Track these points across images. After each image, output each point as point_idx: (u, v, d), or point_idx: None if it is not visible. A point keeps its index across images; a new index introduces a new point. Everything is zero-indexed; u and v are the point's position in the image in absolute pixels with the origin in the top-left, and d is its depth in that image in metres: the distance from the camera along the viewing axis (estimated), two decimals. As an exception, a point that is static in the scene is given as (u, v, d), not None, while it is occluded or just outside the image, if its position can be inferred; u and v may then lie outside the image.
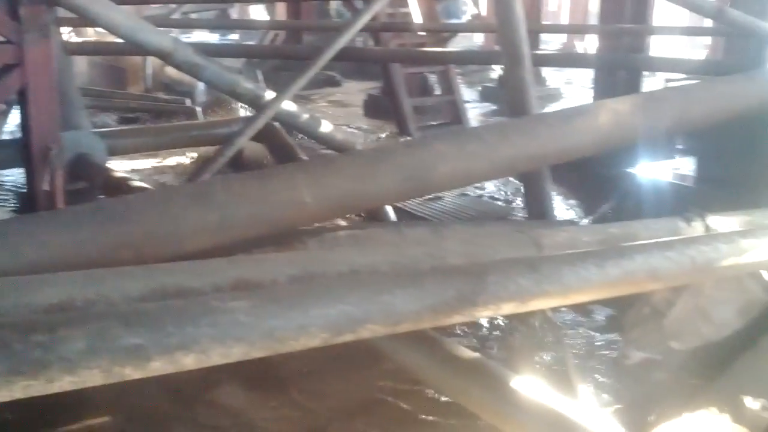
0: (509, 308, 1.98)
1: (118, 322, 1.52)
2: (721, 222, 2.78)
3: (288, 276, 2.00)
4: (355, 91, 11.66)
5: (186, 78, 9.64)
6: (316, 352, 3.16)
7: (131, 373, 1.56)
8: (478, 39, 16.60)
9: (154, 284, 1.84)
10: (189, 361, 1.61)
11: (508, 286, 1.94)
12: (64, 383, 1.50)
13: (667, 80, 5.79)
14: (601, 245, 2.43)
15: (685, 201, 4.60)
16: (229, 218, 2.25)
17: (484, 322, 3.37)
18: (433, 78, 8.95)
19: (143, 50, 4.38)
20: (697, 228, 2.71)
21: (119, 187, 4.22)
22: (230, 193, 2.27)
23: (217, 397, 2.98)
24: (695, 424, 2.48)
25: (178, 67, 4.18)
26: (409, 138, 7.63)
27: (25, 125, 3.80)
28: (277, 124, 5.14)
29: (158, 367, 1.58)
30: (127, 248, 2.12)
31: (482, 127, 2.85)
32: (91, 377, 1.51)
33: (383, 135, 7.97)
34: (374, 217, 3.85)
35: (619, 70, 5.86)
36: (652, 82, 8.49)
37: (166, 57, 4.02)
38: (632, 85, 6.20)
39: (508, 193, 5.73)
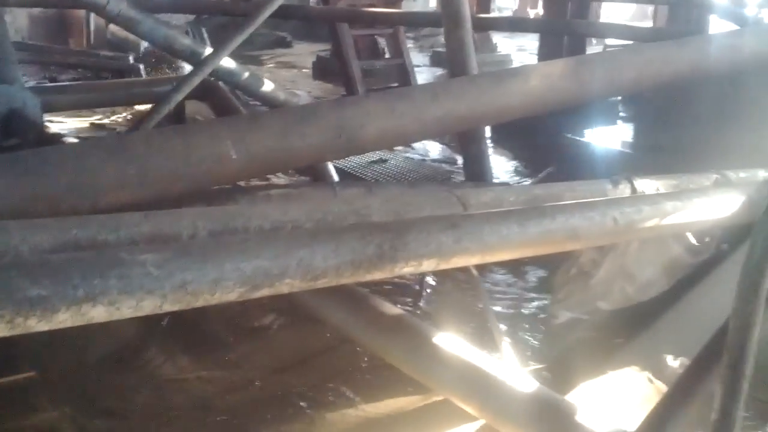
0: (430, 265, 1.99)
1: (20, 272, 1.48)
2: (648, 185, 2.83)
3: (207, 231, 1.97)
4: (306, 52, 11.52)
5: (131, 35, 9.42)
6: (246, 313, 3.19)
7: (36, 324, 1.52)
8: (433, 3, 16.50)
9: (66, 237, 1.79)
10: (97, 314, 1.57)
11: (428, 243, 1.94)
12: (-36, 334, 1.46)
13: (606, 47, 5.84)
14: (526, 205, 2.45)
15: (621, 166, 4.68)
16: (149, 173, 2.20)
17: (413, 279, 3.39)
18: (382, 41, 8.87)
19: (77, 3, 4.23)
20: (623, 190, 2.76)
21: (53, 144, 4.10)
22: (151, 147, 2.23)
23: (148, 359, 2.96)
24: (616, 382, 2.55)
25: (112, 20, 4.06)
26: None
27: (-51, 77, 3.66)
28: (221, 83, 5.04)
29: (65, 318, 1.54)
30: (43, 201, 2.07)
31: (413, 87, 2.84)
32: (-7, 329, 1.48)
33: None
34: (317, 177, 3.82)
35: (563, 36, 5.88)
36: (597, 50, 8.56)
37: (99, 10, 3.91)
38: (576, 52, 6.24)
39: (455, 158, 5.75)
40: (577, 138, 5.28)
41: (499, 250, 2.08)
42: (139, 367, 2.91)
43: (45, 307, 1.51)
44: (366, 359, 2.80)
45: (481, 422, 2.34)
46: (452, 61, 3.79)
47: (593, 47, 8.14)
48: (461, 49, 3.78)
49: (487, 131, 4.89)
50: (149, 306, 1.64)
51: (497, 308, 3.17)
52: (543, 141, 5.39)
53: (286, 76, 9.61)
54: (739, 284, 1.44)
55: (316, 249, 1.82)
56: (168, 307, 1.68)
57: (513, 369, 2.04)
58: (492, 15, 11.05)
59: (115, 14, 3.88)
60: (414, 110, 2.64)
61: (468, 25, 3.82)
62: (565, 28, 5.63)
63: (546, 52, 6.04)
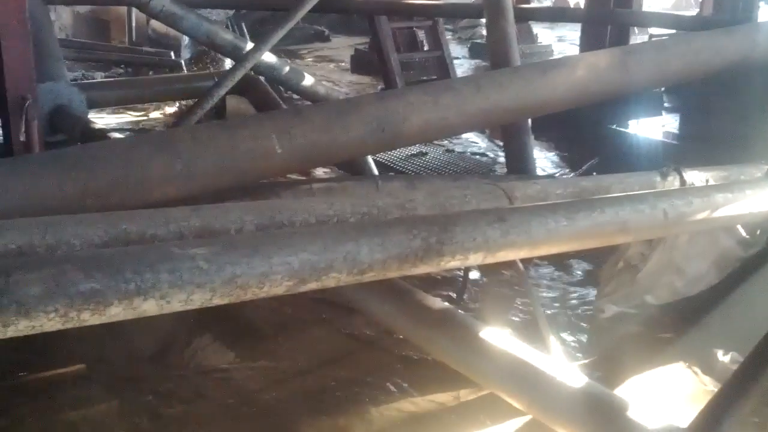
0: (476, 259, 1.97)
1: (74, 266, 1.50)
2: (697, 176, 2.77)
3: (254, 225, 1.98)
4: (344, 46, 11.54)
5: (171, 31, 9.52)
6: (287, 305, 3.20)
7: (90, 318, 1.54)
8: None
9: (116, 231, 1.82)
10: (149, 307, 1.59)
11: (475, 237, 1.93)
12: (21, 327, 1.48)
13: (651, 36, 5.72)
14: (573, 198, 2.42)
15: (667, 157, 4.59)
16: (195, 167, 2.22)
17: (460, 273, 3.37)
18: (421, 33, 8.83)
19: (121, 0, 4.28)
20: (672, 182, 2.71)
21: (99, 139, 4.16)
22: (197, 142, 2.24)
23: (193, 352, 2.99)
24: (664, 378, 2.50)
25: (155, 16, 4.11)
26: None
27: (-1, 76, 3.73)
28: (261, 78, 5.06)
29: (118, 312, 1.56)
30: (92, 197, 2.10)
31: (457, 79, 2.81)
32: (48, 322, 1.50)
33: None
34: (357, 171, 3.82)
35: (606, 26, 5.78)
36: (642, 40, 8.41)
37: (142, 6, 3.95)
38: (619, 41, 6.12)
39: (496, 151, 5.70)
40: (621, 129, 5.18)
41: (547, 243, 2.05)
42: (184, 359, 2.95)
43: (98, 300, 1.53)
44: (409, 352, 2.80)
45: (528, 417, 2.32)
46: (494, 53, 3.75)
47: (636, 37, 8.01)
48: (503, 41, 3.74)
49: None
50: (199, 299, 1.65)
51: (542, 302, 3.14)
52: (585, 132, 5.30)
53: (324, 70, 9.63)
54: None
55: (362, 243, 1.81)
56: (217, 301, 1.69)
57: (561, 364, 2.00)
58: (533, 5, 10.95)
59: (158, 11, 3.92)
60: (458, 102, 2.61)
61: (510, 15, 3.77)
62: (607, 17, 5.53)
63: (588, 43, 5.94)
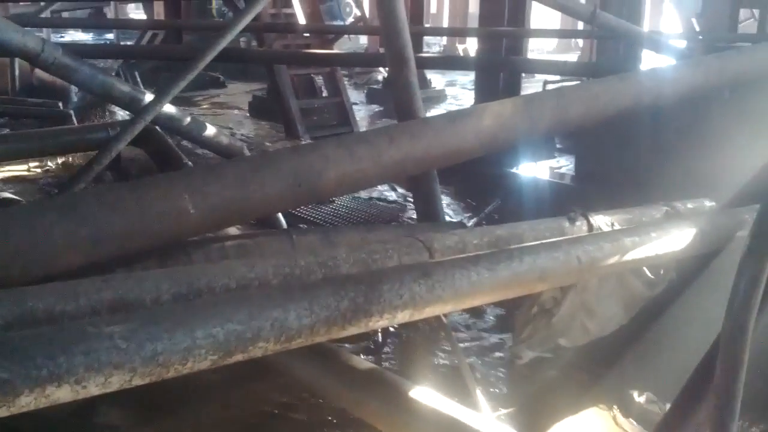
0: (404, 316, 1.94)
1: (-22, 355, 1.38)
2: (603, 220, 2.86)
3: (171, 294, 1.88)
4: (240, 92, 11.45)
5: (58, 81, 9.16)
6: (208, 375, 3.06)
7: (-4, 410, 1.42)
8: (363, 40, 16.66)
9: (21, 309, 1.68)
10: (63, 394, 1.47)
11: (402, 294, 1.90)
12: None
13: (546, 82, 5.99)
14: (490, 247, 2.45)
15: (565, 198, 4.77)
16: (103, 233, 2.10)
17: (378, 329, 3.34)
18: (319, 80, 8.89)
19: (6, 50, 4.08)
20: (581, 227, 2.78)
21: (-17, 199, 3.91)
22: (103, 206, 2.12)
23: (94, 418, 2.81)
24: (584, 422, 2.55)
25: (46, 69, 3.92)
26: (297, 141, 7.55)
27: None
28: (158, 128, 4.92)
29: (29, 402, 1.44)
30: (-9, 269, 1.94)
31: (370, 131, 2.82)
32: (-50, 417, 1.37)
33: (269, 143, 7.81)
34: (265, 224, 3.75)
35: (498, 72, 6.00)
36: (531, 83, 8.77)
37: (32, 59, 3.76)
38: (511, 86, 6.38)
39: (398, 195, 5.75)
40: (519, 172, 5.35)
41: (471, 296, 2.05)
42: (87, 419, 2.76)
43: (6, 390, 1.40)
44: (328, 417, 2.73)
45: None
46: (399, 102, 3.80)
47: (526, 80, 8.33)
48: (407, 90, 3.79)
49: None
50: (118, 381, 1.54)
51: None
52: (484, 176, 5.45)
53: (222, 117, 9.49)
54: (729, 310, 1.42)
55: (290, 308, 1.75)
56: (138, 381, 1.58)
57: (488, 419, 2.00)
58: (428, 54, 11.25)
59: (50, 63, 3.75)
60: (372, 154, 2.61)
61: (412, 64, 3.83)
62: (499, 65, 5.74)
63: (482, 89, 6.15)
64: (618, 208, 2.98)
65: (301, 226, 4.46)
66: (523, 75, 9.66)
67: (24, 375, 1.41)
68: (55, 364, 1.44)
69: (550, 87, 6.08)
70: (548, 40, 17.05)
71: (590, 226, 2.81)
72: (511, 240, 2.50)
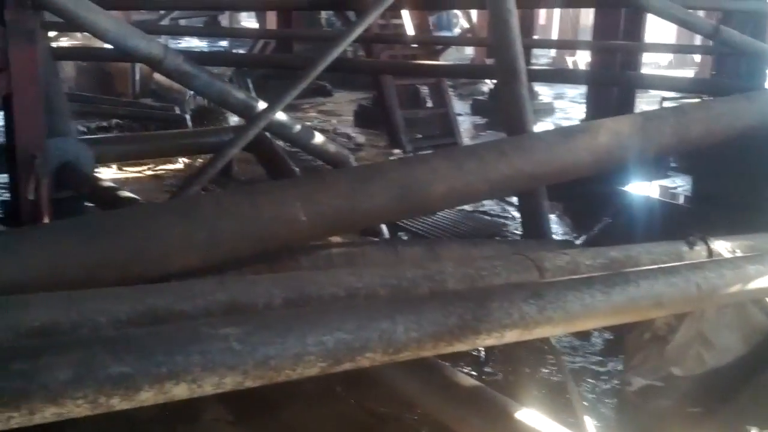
0: (512, 336, 1.91)
1: (104, 349, 1.44)
2: (724, 246, 2.72)
3: (282, 299, 1.92)
4: (345, 101, 11.61)
5: (175, 85, 9.56)
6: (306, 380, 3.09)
7: (119, 404, 1.47)
8: (469, 51, 16.62)
9: (143, 307, 1.75)
10: (180, 391, 1.52)
11: (511, 313, 1.87)
12: (48, 414, 1.41)
13: (664, 99, 5.78)
14: (603, 270, 2.37)
15: (679, 221, 4.56)
16: (218, 236, 2.16)
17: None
18: (424, 90, 8.91)
19: (133, 57, 4.28)
20: (699, 252, 2.66)
21: (106, 196, 4.11)
22: (220, 210, 2.19)
23: (200, 422, 2.88)
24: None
25: (168, 75, 4.08)
26: (400, 150, 7.59)
27: (9, 132, 3.68)
28: (267, 134, 5.05)
29: (148, 397, 1.49)
30: (113, 267, 2.03)
31: (480, 144, 2.79)
32: (76, 408, 1.42)
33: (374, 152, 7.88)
34: (367, 232, 3.77)
35: (612, 87, 5.83)
36: (643, 99, 8.50)
37: (156, 65, 3.92)
38: (625, 102, 6.19)
39: (502, 208, 5.68)
40: (630, 191, 5.16)
41: (584, 319, 1.99)
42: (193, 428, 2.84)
43: (128, 385, 1.46)
44: (430, 429, 2.70)
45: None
46: (508, 116, 3.73)
47: (641, 96, 8.07)
48: (517, 103, 3.72)
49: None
50: (231, 382, 1.58)
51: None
52: (591, 192, 5.29)
53: (328, 125, 9.66)
54: None
55: (398, 321, 1.75)
56: (249, 383, 1.62)
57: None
58: (539, 66, 11.09)
59: (172, 69, 3.89)
60: (482, 168, 2.58)
61: (523, 77, 3.76)
62: (613, 80, 5.57)
63: (594, 104, 5.99)
64: (740, 234, 2.83)
65: (401, 234, 4.47)
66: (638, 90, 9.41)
67: (145, 371, 1.46)
68: (174, 362, 1.49)
69: (667, 104, 5.84)
70: (662, 54, 16.47)
71: (710, 252, 2.67)
72: (625, 263, 2.41)
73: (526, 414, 1.99)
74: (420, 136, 8.12)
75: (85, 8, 3.46)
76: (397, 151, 7.51)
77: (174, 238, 2.13)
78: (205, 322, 1.71)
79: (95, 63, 9.76)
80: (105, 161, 5.30)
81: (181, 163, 6.80)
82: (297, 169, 4.91)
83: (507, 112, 3.79)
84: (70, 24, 4.92)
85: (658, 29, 12.15)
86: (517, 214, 5.52)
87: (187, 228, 2.15)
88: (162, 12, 9.33)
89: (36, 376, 1.37)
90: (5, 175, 4.80)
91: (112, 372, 1.43)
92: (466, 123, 9.62)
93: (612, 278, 2.07)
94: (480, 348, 3.12)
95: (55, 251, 1.97)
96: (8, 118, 3.70)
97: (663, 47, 7.67)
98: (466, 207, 5.58)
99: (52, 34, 7.22)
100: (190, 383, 1.51)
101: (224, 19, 18.41)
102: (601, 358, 3.23)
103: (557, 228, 5.13)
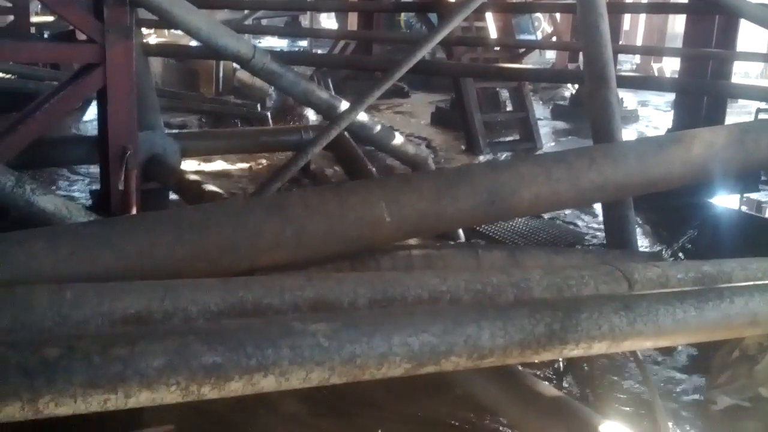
0: (600, 348, 1.86)
1: (198, 339, 1.47)
2: (824, 265, 2.59)
3: (367, 298, 1.93)
4: (423, 102, 11.59)
5: (257, 83, 9.76)
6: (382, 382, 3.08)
7: (209, 392, 1.50)
8: (550, 54, 16.38)
9: (233, 299, 1.79)
10: (267, 384, 1.55)
11: (600, 325, 1.82)
12: (141, 399, 1.45)
13: (760, 110, 5.54)
14: (694, 284, 2.29)
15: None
16: (306, 233, 2.18)
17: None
18: (504, 93, 8.82)
19: (222, 55, 4.39)
20: (797, 270, 2.54)
21: (191, 189, 4.22)
22: (308, 208, 2.21)
23: (278, 415, 2.90)
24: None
25: (255, 73, 4.17)
26: (479, 154, 7.53)
27: (102, 124, 3.82)
28: (346, 133, 5.09)
29: (237, 387, 1.52)
30: (203, 260, 2.08)
31: (568, 151, 2.72)
32: (169, 395, 1.47)
33: (452, 155, 7.84)
34: (443, 235, 3.75)
35: (702, 96, 5.64)
36: (732, 109, 8.20)
37: (244, 63, 4.02)
38: (716, 112, 5.97)
39: (581, 216, 5.57)
40: (718, 203, 4.98)
41: (674, 334, 1.93)
42: (267, 426, 2.86)
43: (219, 374, 1.49)
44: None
45: None
46: (596, 123, 3.66)
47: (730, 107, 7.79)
48: (605, 110, 3.64)
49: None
50: (317, 378, 1.60)
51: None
52: (677, 203, 5.13)
53: (405, 125, 9.66)
54: None
55: (484, 326, 1.73)
56: (335, 380, 1.63)
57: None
58: (625, 73, 10.82)
59: (259, 68, 3.97)
60: (570, 176, 2.53)
61: (613, 84, 3.69)
62: (707, 88, 5.39)
63: (682, 111, 5.81)
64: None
65: (478, 240, 4.42)
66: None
67: (236, 362, 1.50)
68: (264, 355, 1.51)
69: (763, 116, 5.60)
70: (752, 63, 15.83)
71: (808, 271, 2.55)
72: (718, 278, 2.33)
73: (609, 427, 1.94)
74: (499, 140, 8.04)
75: (180, 6, 3.56)
76: (477, 157, 7.45)
77: (263, 234, 2.17)
78: (295, 317, 1.73)
79: (180, 60, 10.04)
80: (190, 155, 5.43)
81: (264, 161, 6.92)
82: (374, 169, 4.92)
83: (595, 119, 3.71)
84: (164, 21, 5.10)
85: (746, 38, 11.70)
86: (591, 222, 5.41)
87: (276, 224, 2.19)
88: (246, 12, 9.54)
89: (132, 361, 1.41)
90: (96, 166, 5.02)
91: (204, 361, 1.47)
92: (546, 128, 9.46)
93: (705, 293, 2.00)
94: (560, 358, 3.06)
95: (148, 242, 2.03)
96: (102, 111, 3.85)
97: (757, 56, 7.38)
98: (545, 214, 5.49)
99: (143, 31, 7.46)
100: (278, 376, 1.54)
101: (305, 20, 18.66)
102: (684, 375, 3.12)
103: (641, 239, 4.99)
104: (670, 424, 2.14)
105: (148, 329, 1.57)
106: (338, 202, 2.28)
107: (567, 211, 5.67)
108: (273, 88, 9.89)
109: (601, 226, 4.46)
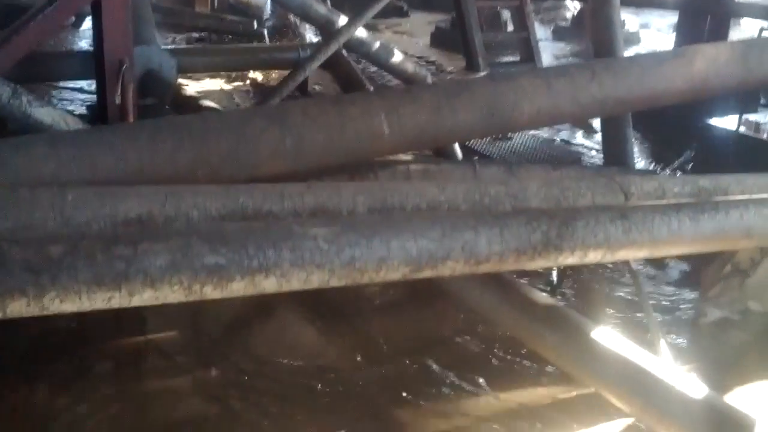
0: (595, 256, 1.90)
1: (201, 240, 1.49)
2: (820, 182, 2.61)
3: (366, 206, 1.95)
4: (422, 22, 11.37)
5: (253, 0, 9.56)
6: (379, 287, 3.15)
7: (211, 292, 1.54)
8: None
9: (234, 204, 1.81)
10: (269, 285, 1.58)
11: (596, 233, 1.85)
12: (145, 297, 1.49)
13: (763, 29, 5.43)
14: (691, 197, 2.32)
15: (765, 156, 4.38)
16: (306, 144, 2.19)
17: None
18: (506, 13, 8.64)
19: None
20: (793, 186, 2.56)
21: (189, 105, 4.20)
22: (307, 118, 2.21)
23: (284, 326, 2.97)
24: (769, 390, 2.39)
25: (253, -14, 4.09)
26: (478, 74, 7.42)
27: (97, 38, 3.74)
28: (344, 52, 5.01)
29: (239, 288, 1.55)
30: (204, 167, 2.09)
31: (570, 65, 2.70)
32: (172, 293, 1.50)
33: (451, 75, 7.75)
34: (440, 153, 3.75)
35: (705, 15, 5.54)
36: (734, 29, 8.07)
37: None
38: (719, 31, 5.86)
39: (580, 137, 5.55)
40: (716, 124, 4.96)
41: (669, 244, 1.96)
42: (269, 333, 2.94)
43: (221, 275, 1.52)
44: (501, 344, 2.73)
45: (629, 420, 2.24)
46: (597, 40, 3.61)
47: (733, 29, 7.65)
48: (608, 27, 3.58)
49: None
50: (317, 280, 1.63)
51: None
52: (675, 124, 5.11)
53: (404, 46, 9.50)
54: None
55: (481, 232, 1.76)
56: (334, 282, 1.66)
57: (675, 370, 1.92)
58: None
59: (256, -20, 3.89)
60: (571, 89, 2.52)
61: (616, 2, 3.62)
62: (711, 6, 5.29)
63: (685, 32, 5.72)
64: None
65: (475, 159, 4.40)
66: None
67: (238, 263, 1.52)
68: (265, 256, 1.54)
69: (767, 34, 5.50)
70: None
71: (804, 186, 2.57)
72: (715, 191, 2.35)
73: (601, 332, 1.99)
74: (499, 60, 7.92)
75: None
76: (473, 74, 7.35)
77: (263, 143, 2.17)
78: (296, 221, 1.75)
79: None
80: (187, 71, 5.36)
81: (259, 76, 6.84)
82: (372, 88, 4.87)
83: (597, 38, 3.65)
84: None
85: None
86: (588, 142, 5.41)
87: (276, 134, 2.18)
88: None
89: (135, 260, 1.44)
90: (92, 81, 4.95)
91: (207, 262, 1.50)
92: (547, 49, 9.30)
93: (701, 206, 2.02)
94: (553, 270, 3.11)
95: (149, 148, 2.03)
96: (96, 24, 3.77)
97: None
98: (543, 134, 5.48)
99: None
100: (279, 277, 1.57)
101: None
102: (677, 289, 3.19)
103: (638, 159, 4.99)
104: (661, 335, 2.19)
105: (150, 230, 1.59)
106: (338, 113, 2.28)
107: (565, 132, 5.66)
108: (269, 5, 9.75)
109: (600, 147, 4.46)
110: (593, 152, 5.20)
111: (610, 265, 3.27)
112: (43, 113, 3.10)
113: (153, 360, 2.72)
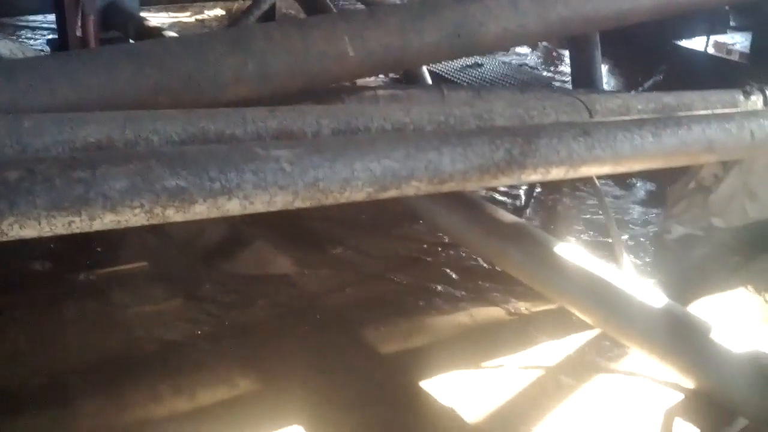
0: (558, 173, 1.91)
1: (161, 163, 1.48)
2: (782, 97, 2.64)
3: (330, 129, 1.93)
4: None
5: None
6: (350, 214, 3.18)
7: (174, 215, 1.53)
8: None
9: (195, 129, 1.78)
10: (232, 207, 1.57)
11: (559, 150, 1.86)
12: (106, 221, 1.47)
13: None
14: (655, 114, 2.33)
15: (735, 78, 4.40)
16: (268, 68, 2.15)
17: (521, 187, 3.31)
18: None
19: None
20: (756, 102, 2.59)
21: (152, 37, 4.09)
22: (270, 41, 2.16)
23: (254, 254, 3.00)
24: (733, 302, 2.47)
25: None
26: None
27: (55, -33, 3.64)
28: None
29: (201, 210, 1.55)
30: (165, 94, 2.05)
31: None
32: (133, 217, 1.49)
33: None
34: (409, 78, 3.72)
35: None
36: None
37: None
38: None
39: (547, 64, 5.54)
40: (687, 46, 4.95)
41: (632, 159, 1.98)
42: (245, 261, 2.96)
43: (183, 198, 1.51)
44: (467, 263, 2.78)
45: (595, 332, 2.31)
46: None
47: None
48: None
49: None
50: (281, 201, 1.63)
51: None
52: (645, 47, 5.11)
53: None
54: None
55: (444, 152, 1.76)
56: (299, 204, 1.67)
57: (637, 282, 1.96)
58: None
59: None
60: (538, 9, 2.49)
61: None
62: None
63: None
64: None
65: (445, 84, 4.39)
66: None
67: (199, 185, 1.51)
68: (227, 178, 1.53)
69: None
70: None
71: (767, 102, 2.60)
72: (679, 108, 2.36)
73: (565, 247, 2.02)
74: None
75: None
76: None
77: (224, 68, 2.13)
78: (258, 143, 1.74)
79: None
80: (149, 3, 5.22)
81: (221, 10, 6.69)
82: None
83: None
84: None
85: None
86: (561, 68, 5.40)
87: (238, 58, 2.14)
88: None
89: (95, 184, 1.42)
90: (52, 16, 4.81)
91: (167, 184, 1.48)
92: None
93: (664, 121, 2.03)
94: (521, 189, 3.14)
95: (110, 75, 1.99)
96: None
97: None
98: (513, 61, 5.45)
99: None
100: (242, 200, 1.56)
101: None
102: (642, 208, 3.24)
103: (607, 82, 5.00)
104: (624, 250, 2.23)
105: (109, 154, 1.57)
106: (301, 36, 2.23)
107: (533, 62, 5.64)
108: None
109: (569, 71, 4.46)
110: (565, 77, 5.19)
111: (584, 188, 3.31)
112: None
113: (128, 290, 2.75)
